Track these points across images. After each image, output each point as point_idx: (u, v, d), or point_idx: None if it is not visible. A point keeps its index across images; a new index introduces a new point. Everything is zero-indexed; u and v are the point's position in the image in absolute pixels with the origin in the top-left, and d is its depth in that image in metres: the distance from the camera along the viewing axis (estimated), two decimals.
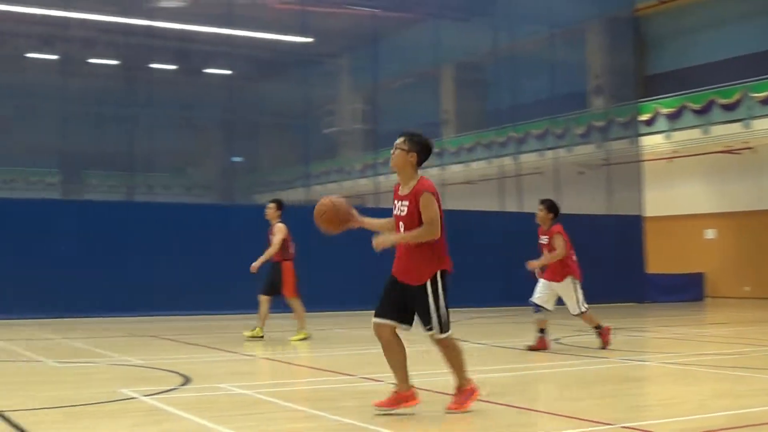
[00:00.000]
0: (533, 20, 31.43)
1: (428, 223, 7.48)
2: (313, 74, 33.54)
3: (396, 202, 7.73)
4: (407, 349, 7.80)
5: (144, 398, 8.54)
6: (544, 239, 13.32)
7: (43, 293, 19.75)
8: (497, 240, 25.39)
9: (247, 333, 15.16)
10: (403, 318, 7.70)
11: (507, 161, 31.86)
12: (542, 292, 13.27)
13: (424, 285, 7.58)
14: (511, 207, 29.06)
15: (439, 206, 7.58)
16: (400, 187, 7.75)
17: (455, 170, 34.09)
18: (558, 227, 13.20)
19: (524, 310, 21.48)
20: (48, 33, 29.59)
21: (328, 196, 7.75)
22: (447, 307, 7.67)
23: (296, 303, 15.18)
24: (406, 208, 7.60)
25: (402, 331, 7.76)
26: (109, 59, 31.99)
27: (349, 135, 39.27)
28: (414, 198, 7.55)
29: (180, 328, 17.66)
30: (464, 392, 7.83)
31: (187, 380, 9.87)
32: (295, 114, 32.51)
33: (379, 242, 7.55)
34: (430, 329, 7.66)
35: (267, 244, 15.05)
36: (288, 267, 15.12)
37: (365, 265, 22.03)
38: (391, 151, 7.73)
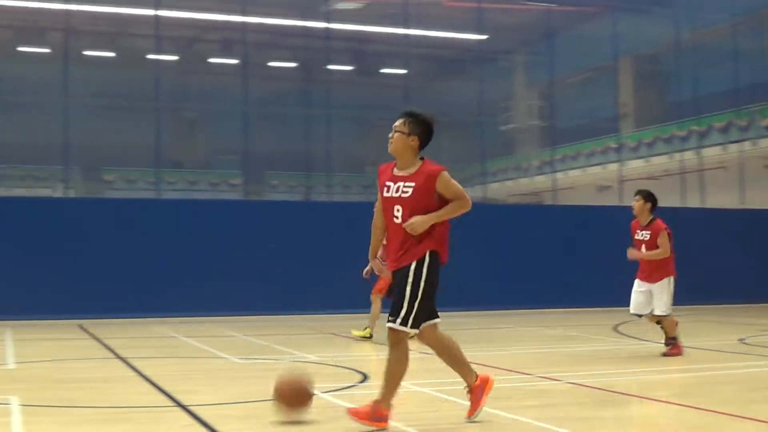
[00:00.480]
0: (714, 8, 30.45)
1: (459, 197, 6.87)
2: (489, 71, 33.44)
3: (390, 183, 7.00)
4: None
5: (323, 395, 8.62)
6: (643, 234, 12.15)
7: (223, 291, 20.26)
8: (679, 237, 24.63)
9: (360, 333, 15.17)
10: (434, 312, 7.04)
11: (689, 155, 31.00)
12: (637, 299, 12.20)
13: (409, 266, 6.82)
14: (693, 203, 28.27)
15: None
16: (396, 169, 7.05)
17: (634, 166, 33.33)
18: (663, 223, 12.19)
19: (709, 309, 20.85)
20: (229, 38, 30.43)
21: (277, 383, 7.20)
22: (425, 300, 6.83)
23: (377, 303, 14.91)
24: (411, 189, 6.87)
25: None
26: (287, 62, 32.67)
27: (526, 132, 38.97)
28: (425, 179, 6.85)
29: (360, 326, 17.81)
30: (377, 410, 6.85)
31: (365, 377, 9.94)
32: (471, 111, 32.46)
33: (417, 224, 6.76)
34: (393, 319, 6.81)
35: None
36: None
37: (522, 263, 21.86)
38: (389, 135, 7.06)
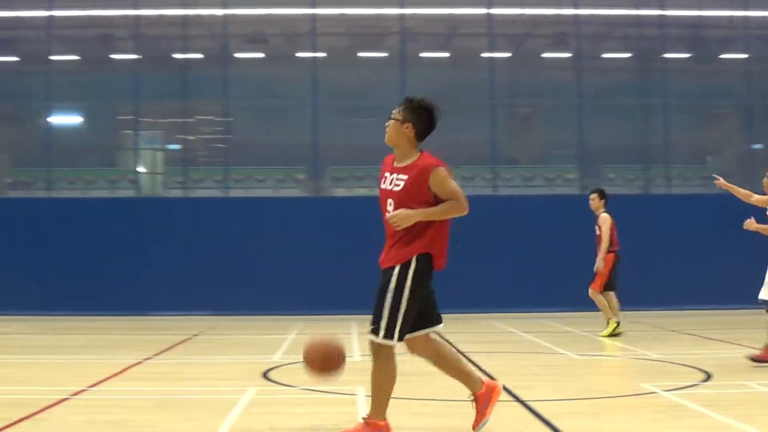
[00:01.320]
0: None
1: (454, 198, 6.27)
2: None
3: (387, 174, 6.46)
4: None
5: (664, 393, 8.39)
6: None
7: (558, 286, 20.02)
8: None
9: (605, 333, 14.63)
10: (426, 321, 6.47)
11: None
12: None
13: (392, 268, 6.24)
14: None
15: None
16: (395, 161, 6.49)
17: None
18: None
19: None
20: (561, 32, 30.30)
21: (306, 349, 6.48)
22: (410, 309, 6.23)
23: (598, 297, 14.55)
24: (402, 183, 6.30)
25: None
26: (621, 53, 32.06)
27: None
28: (417, 173, 6.27)
29: (699, 323, 17.24)
30: (370, 426, 6.30)
31: (708, 376, 9.57)
32: None
33: (400, 216, 6.18)
34: (374, 330, 6.21)
35: (593, 236, 14.79)
36: (608, 259, 14.51)
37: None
38: (386, 123, 6.50)
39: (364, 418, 6.36)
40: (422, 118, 6.48)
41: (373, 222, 20.83)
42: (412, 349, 6.53)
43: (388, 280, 6.24)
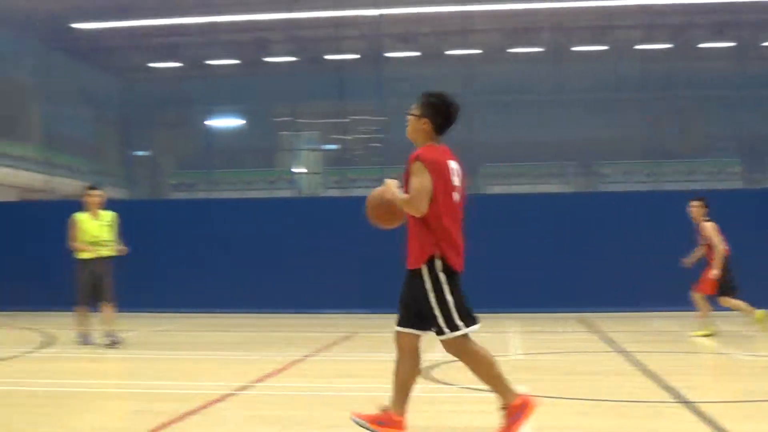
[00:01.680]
0: None
1: (411, 194, 6.13)
2: None
3: None
4: None
5: None
6: None
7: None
8: None
9: (698, 333, 14.31)
10: (423, 323, 6.31)
11: None
12: None
13: (420, 270, 6.21)
14: None
15: (446, 183, 6.21)
16: None
17: None
18: None
19: None
20: (721, 21, 29.53)
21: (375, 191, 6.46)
22: (459, 301, 6.18)
23: (701, 300, 14.46)
24: (404, 171, 6.33)
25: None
26: None
27: None
28: (409, 162, 6.26)
29: None
30: (511, 411, 6.19)
31: None
32: None
33: (388, 187, 6.32)
34: (438, 330, 6.19)
35: (696, 244, 14.80)
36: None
37: None
38: (406, 119, 6.46)
39: (502, 407, 6.28)
40: (440, 112, 6.42)
41: (530, 219, 20.66)
42: (399, 339, 6.42)
43: (421, 281, 6.24)
